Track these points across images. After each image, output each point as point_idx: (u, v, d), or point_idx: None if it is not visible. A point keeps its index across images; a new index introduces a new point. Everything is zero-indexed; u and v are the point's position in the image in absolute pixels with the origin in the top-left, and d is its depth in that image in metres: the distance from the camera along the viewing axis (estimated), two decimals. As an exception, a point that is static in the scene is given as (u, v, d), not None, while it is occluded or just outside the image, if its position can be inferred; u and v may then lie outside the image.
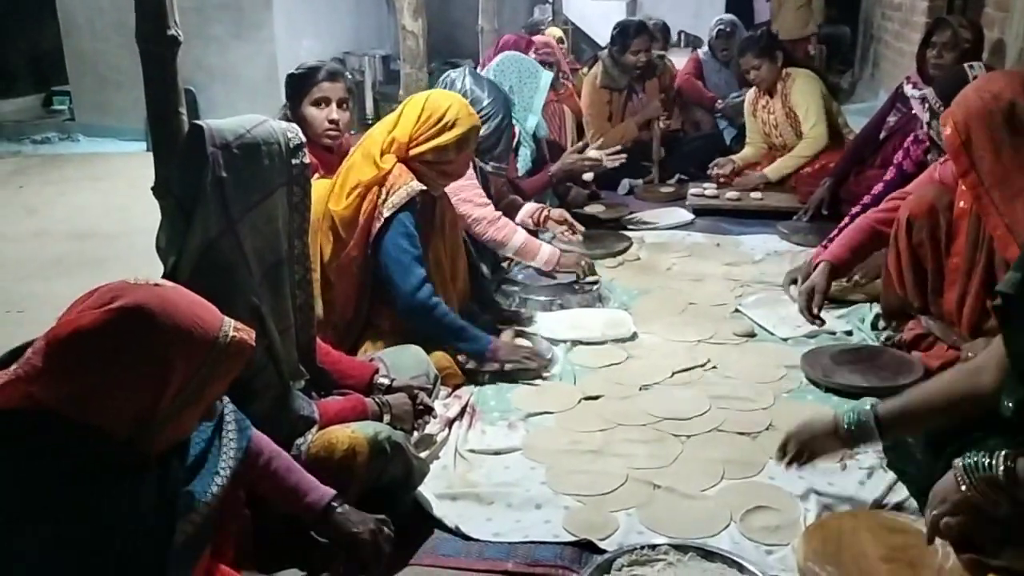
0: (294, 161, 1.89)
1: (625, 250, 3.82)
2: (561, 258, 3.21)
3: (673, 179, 4.89)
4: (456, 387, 2.55)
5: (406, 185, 2.49)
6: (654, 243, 3.97)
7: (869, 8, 7.67)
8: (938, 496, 1.57)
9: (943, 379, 1.77)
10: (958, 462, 1.54)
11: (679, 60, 6.19)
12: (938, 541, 1.63)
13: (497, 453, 2.25)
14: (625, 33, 4.84)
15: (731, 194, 4.46)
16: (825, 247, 2.99)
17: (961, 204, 2.57)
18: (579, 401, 2.50)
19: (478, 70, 3.87)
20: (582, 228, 3.44)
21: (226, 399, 1.59)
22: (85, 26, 7.30)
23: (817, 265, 2.78)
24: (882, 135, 4.08)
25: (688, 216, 4.29)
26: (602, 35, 8.07)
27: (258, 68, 7.05)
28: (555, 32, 5.21)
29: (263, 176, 1.85)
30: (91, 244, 4.50)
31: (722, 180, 4.62)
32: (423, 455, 2.15)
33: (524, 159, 3.90)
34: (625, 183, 4.77)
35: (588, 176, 4.06)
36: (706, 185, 4.61)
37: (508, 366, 2.60)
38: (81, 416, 1.26)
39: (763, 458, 2.18)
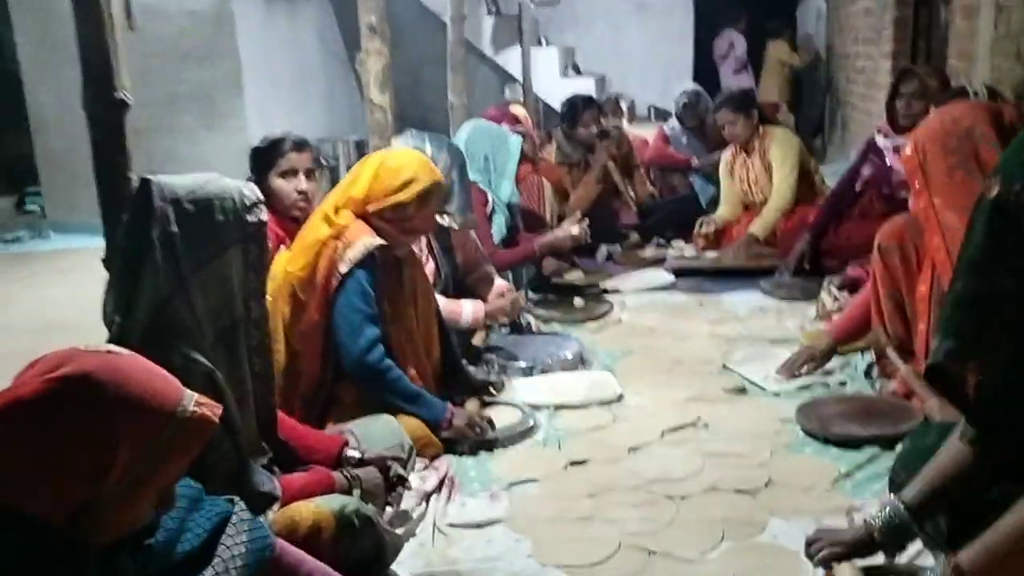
0: (249, 218, 1.78)
1: (606, 313, 3.71)
2: (488, 310, 3.09)
3: (652, 243, 4.84)
4: (433, 457, 2.39)
5: (363, 240, 2.37)
6: (635, 306, 3.86)
7: (834, 74, 7.82)
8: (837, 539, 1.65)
9: (950, 449, 1.60)
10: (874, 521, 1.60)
11: (650, 133, 6.23)
12: None
13: (479, 526, 2.08)
14: (574, 108, 4.88)
15: (711, 254, 4.39)
16: None
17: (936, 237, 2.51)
18: (565, 467, 2.35)
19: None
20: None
21: (239, 502, 1.41)
22: (54, 126, 7.25)
23: None
24: (858, 187, 4.05)
25: (669, 278, 4.20)
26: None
27: (230, 158, 6.97)
28: (519, 110, 5.25)
29: (216, 232, 1.74)
30: (56, 337, 4.25)
31: (704, 242, 4.55)
32: (398, 531, 1.98)
33: (499, 227, 3.82)
34: (603, 250, 4.70)
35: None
36: (685, 246, 4.55)
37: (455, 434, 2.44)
38: (15, 499, 1.11)
39: (765, 516, 2.03)
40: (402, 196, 2.45)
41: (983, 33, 3.80)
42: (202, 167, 7.27)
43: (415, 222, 2.52)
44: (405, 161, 2.50)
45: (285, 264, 2.46)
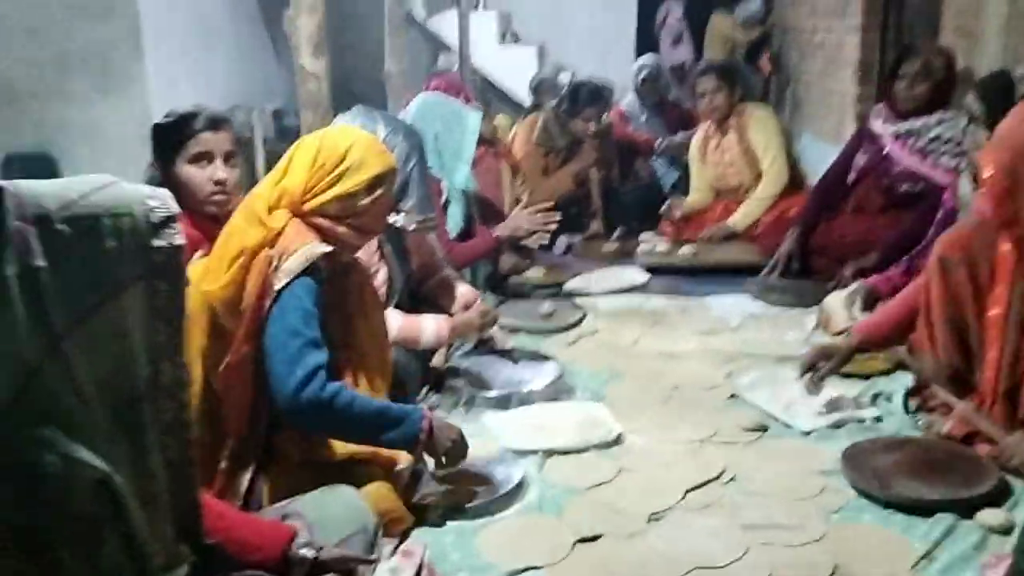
0: (157, 243, 1.21)
1: (579, 322, 3.23)
2: (455, 327, 2.59)
3: (614, 234, 4.39)
4: (404, 535, 1.86)
5: (305, 247, 1.82)
6: (609, 311, 3.39)
7: (784, 50, 7.47)
8: None
9: None
10: None
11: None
12: None
13: (474, 645, 1.58)
14: (576, 97, 4.37)
15: (686, 250, 3.96)
16: None
17: (1007, 246, 2.11)
18: (573, 546, 1.85)
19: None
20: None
21: None
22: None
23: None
24: (851, 177, 3.65)
25: (641, 276, 3.75)
26: (508, 83, 7.67)
27: (129, 127, 6.19)
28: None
29: (106, 266, 1.16)
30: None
31: (672, 230, 4.11)
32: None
33: (455, 218, 3.28)
34: (563, 241, 4.22)
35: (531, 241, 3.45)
36: (656, 239, 4.11)
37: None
38: None
39: (843, 623, 1.59)
40: (348, 185, 1.90)
41: (993, 6, 3.44)
42: (98, 136, 6.30)
43: (365, 218, 1.97)
44: (349, 142, 1.94)
45: (200, 280, 1.88)
